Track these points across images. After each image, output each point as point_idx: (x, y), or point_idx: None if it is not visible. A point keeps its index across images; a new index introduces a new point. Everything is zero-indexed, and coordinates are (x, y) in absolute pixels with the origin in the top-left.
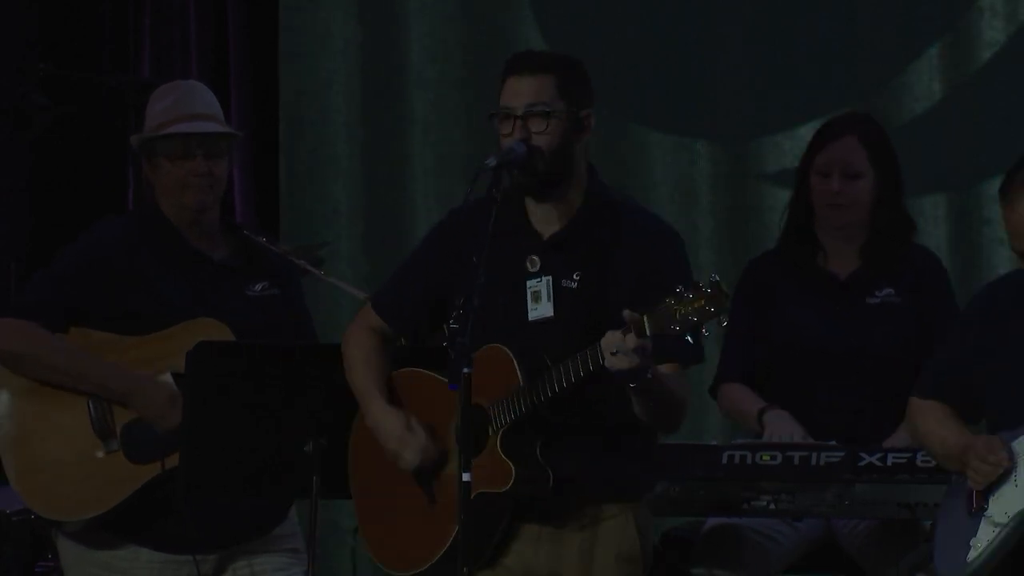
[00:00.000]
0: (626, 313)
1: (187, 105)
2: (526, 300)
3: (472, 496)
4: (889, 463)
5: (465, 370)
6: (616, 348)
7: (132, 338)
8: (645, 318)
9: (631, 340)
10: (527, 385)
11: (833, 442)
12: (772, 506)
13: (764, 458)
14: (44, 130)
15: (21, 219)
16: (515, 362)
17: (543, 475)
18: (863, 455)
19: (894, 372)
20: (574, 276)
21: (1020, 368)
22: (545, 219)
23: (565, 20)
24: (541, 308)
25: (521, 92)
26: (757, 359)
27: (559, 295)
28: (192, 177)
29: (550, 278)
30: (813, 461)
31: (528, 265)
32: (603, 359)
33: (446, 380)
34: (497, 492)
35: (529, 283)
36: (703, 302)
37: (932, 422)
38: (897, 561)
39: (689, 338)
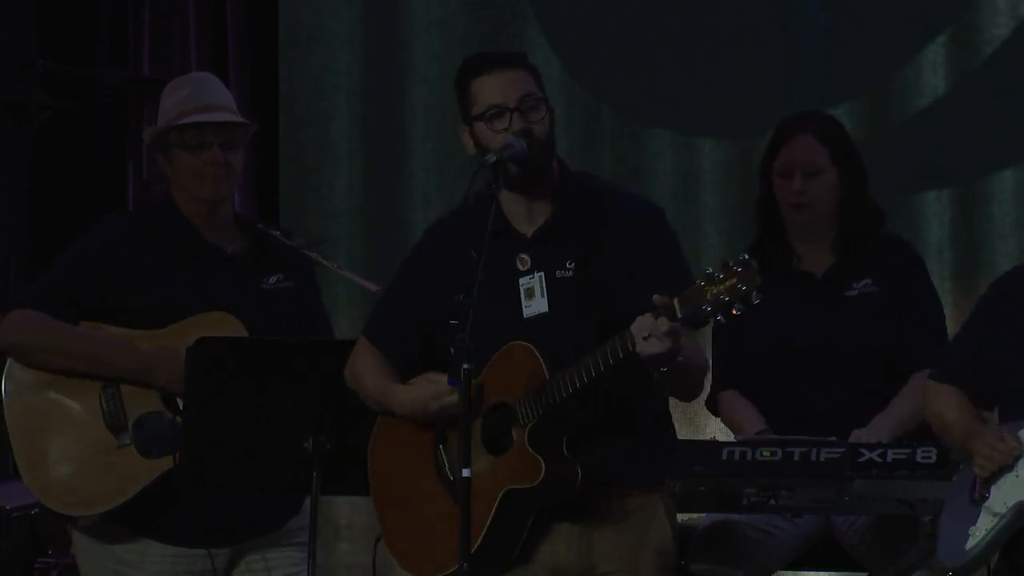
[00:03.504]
0: (656, 297)
1: (201, 96)
2: (520, 298)
3: (503, 494)
4: (889, 459)
5: (465, 366)
6: (648, 332)
7: (144, 332)
8: (676, 301)
9: (663, 324)
10: (554, 379)
11: (833, 438)
12: (772, 502)
13: (764, 454)
14: (43, 126)
15: (21, 214)
16: (540, 357)
17: (571, 469)
18: (863, 451)
19: (878, 364)
20: (567, 265)
21: None
22: (523, 217)
23: (566, 17)
24: (535, 304)
25: (510, 85)
26: (744, 362)
27: (553, 287)
28: (208, 167)
29: (543, 274)
30: (812, 457)
31: (519, 264)
32: (633, 345)
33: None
34: (526, 488)
35: (521, 281)
36: (735, 280)
37: (943, 405)
38: (896, 557)
39: (721, 318)
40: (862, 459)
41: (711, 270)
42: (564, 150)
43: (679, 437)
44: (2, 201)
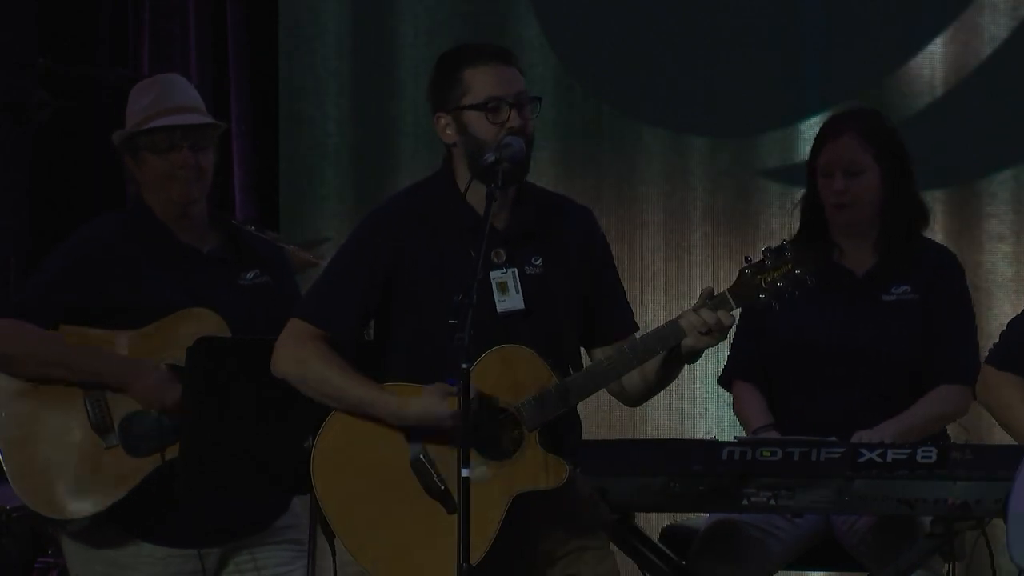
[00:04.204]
0: (707, 289)
1: (169, 98)
2: (492, 292)
3: (515, 496)
4: (889, 459)
5: (464, 366)
6: (709, 327)
7: (126, 332)
8: (728, 293)
9: (726, 317)
10: (572, 380)
11: (833, 438)
12: (772, 502)
13: (764, 454)
14: (44, 125)
15: (21, 214)
16: (543, 360)
17: (574, 465)
18: (863, 451)
19: (906, 371)
20: (534, 261)
21: None
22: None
23: (566, 17)
24: (510, 300)
25: (508, 81)
26: (769, 355)
27: (526, 283)
28: (179, 170)
29: (515, 270)
30: (813, 457)
31: (494, 257)
32: (672, 340)
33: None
34: (545, 489)
35: (493, 274)
36: (789, 265)
37: (1012, 397)
38: (896, 557)
39: (775, 304)
40: (862, 459)
41: (754, 258)
42: (564, 150)
43: (667, 437)
44: (2, 201)
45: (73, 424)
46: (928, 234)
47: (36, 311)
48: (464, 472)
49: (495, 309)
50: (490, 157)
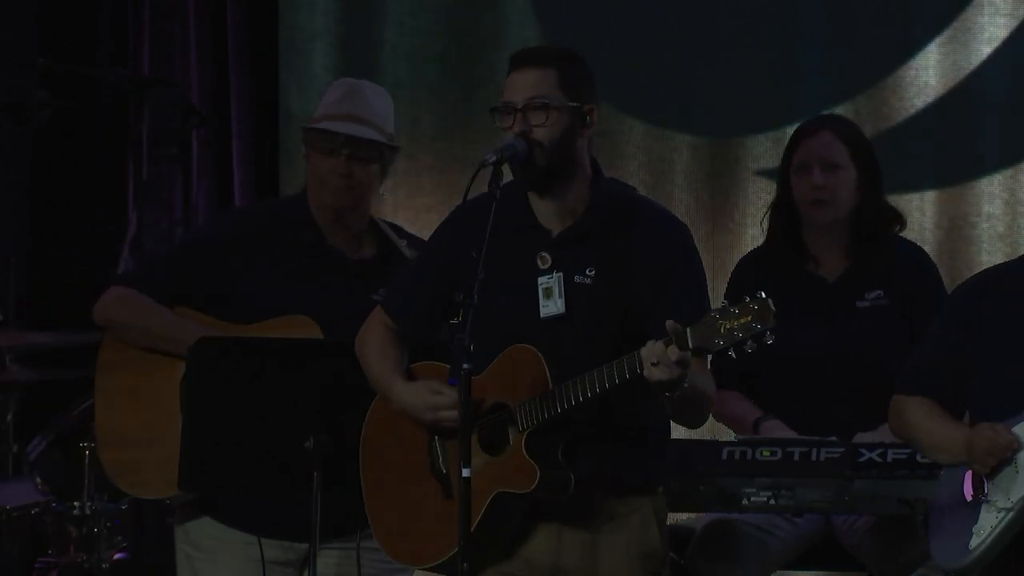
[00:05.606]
0: (669, 324)
1: (348, 104)
2: (537, 298)
3: (494, 495)
4: (889, 459)
5: (465, 366)
6: (657, 359)
7: (231, 325)
8: (688, 331)
9: (673, 352)
10: (558, 388)
11: (833, 438)
12: (771, 502)
13: (764, 454)
14: (44, 125)
15: (21, 214)
16: (544, 364)
17: (565, 478)
18: (863, 451)
19: (884, 377)
20: (588, 271)
21: (1010, 356)
22: (552, 215)
23: (566, 17)
24: (552, 305)
25: (522, 86)
26: (748, 365)
27: (571, 291)
28: (331, 175)
29: (561, 275)
30: (813, 457)
31: (539, 263)
32: (641, 369)
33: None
34: (517, 493)
35: (540, 280)
36: (749, 318)
37: (921, 416)
38: (896, 557)
39: (732, 353)
40: (862, 459)
41: (726, 303)
42: None
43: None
44: (2, 201)
45: (167, 408)
46: (928, 234)
47: (139, 283)
48: (465, 473)
49: (539, 314)
50: (490, 157)
